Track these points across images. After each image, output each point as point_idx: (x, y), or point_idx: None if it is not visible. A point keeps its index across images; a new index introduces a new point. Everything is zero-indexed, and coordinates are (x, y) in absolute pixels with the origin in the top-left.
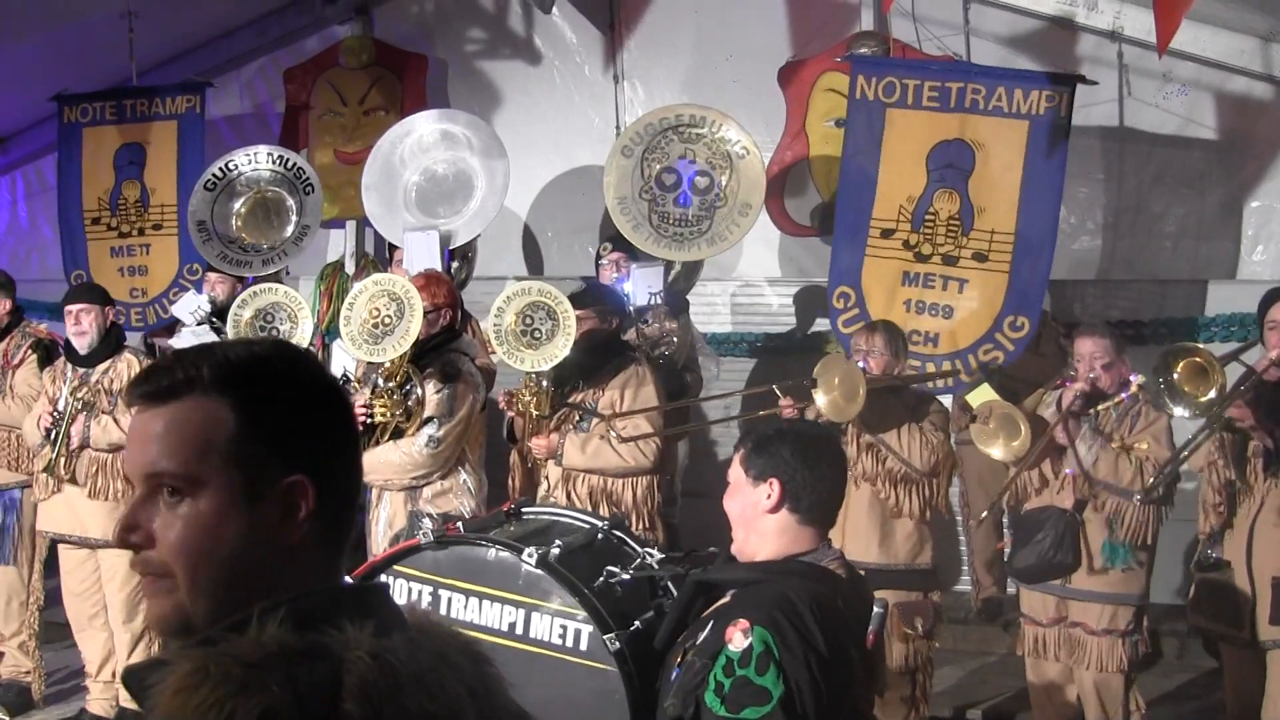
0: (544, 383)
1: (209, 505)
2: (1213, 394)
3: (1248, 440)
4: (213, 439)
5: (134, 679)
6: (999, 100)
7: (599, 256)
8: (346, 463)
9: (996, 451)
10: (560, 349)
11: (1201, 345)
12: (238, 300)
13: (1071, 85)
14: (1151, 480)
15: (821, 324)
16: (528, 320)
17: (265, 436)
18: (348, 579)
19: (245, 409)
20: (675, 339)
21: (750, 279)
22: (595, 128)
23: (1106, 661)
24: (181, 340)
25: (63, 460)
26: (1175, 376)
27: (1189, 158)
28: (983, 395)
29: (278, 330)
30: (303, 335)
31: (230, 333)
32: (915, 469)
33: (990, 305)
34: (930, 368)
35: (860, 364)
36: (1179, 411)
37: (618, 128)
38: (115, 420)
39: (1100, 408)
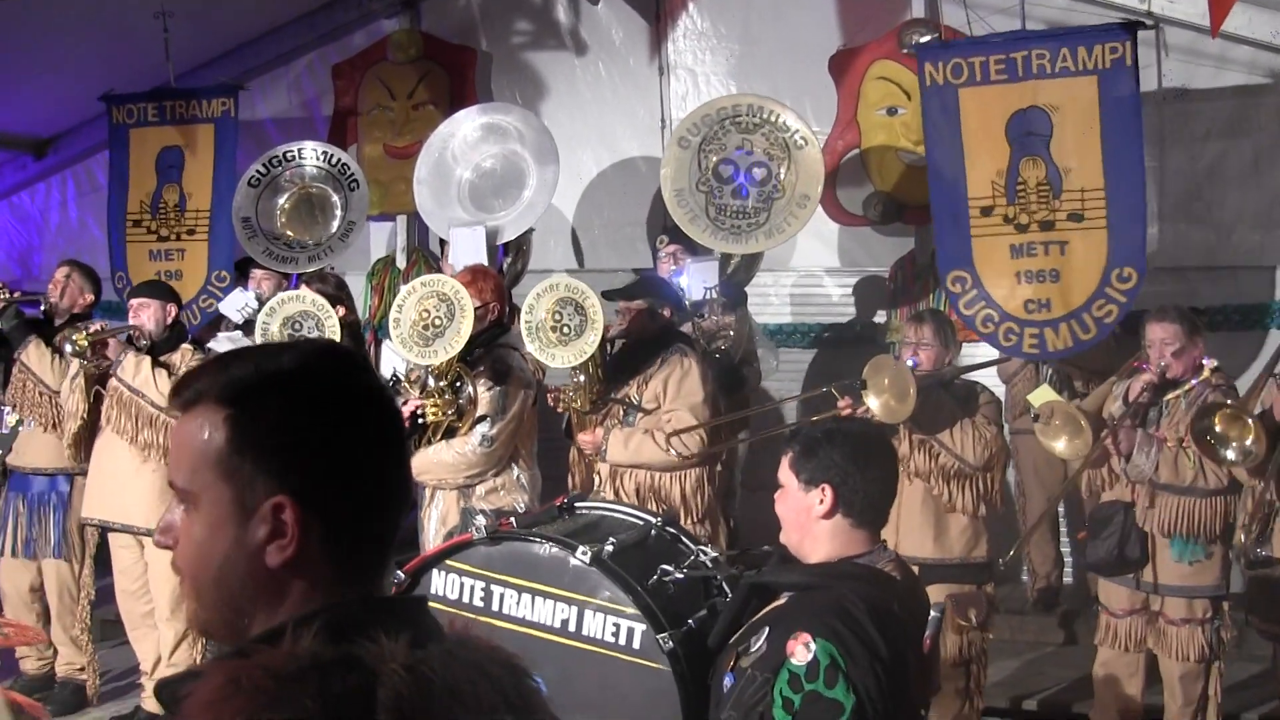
0: (581, 377)
1: (203, 518)
2: (1249, 441)
3: None
4: (206, 452)
5: (166, 690)
6: (1064, 61)
7: (656, 249)
8: (360, 481)
9: (1060, 445)
10: (589, 344)
11: (1229, 402)
12: (265, 309)
13: (1132, 33)
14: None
15: (881, 315)
16: (557, 316)
17: (252, 452)
18: (399, 571)
19: (236, 423)
20: (732, 332)
21: (809, 270)
22: (641, 120)
23: (1187, 651)
24: (217, 345)
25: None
26: (1218, 429)
27: (1245, 142)
28: (1044, 395)
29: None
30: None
31: (259, 342)
32: (969, 464)
33: (1096, 262)
34: (1049, 334)
35: (910, 360)
36: (1232, 457)
37: (663, 120)
38: (155, 369)
39: (1170, 396)
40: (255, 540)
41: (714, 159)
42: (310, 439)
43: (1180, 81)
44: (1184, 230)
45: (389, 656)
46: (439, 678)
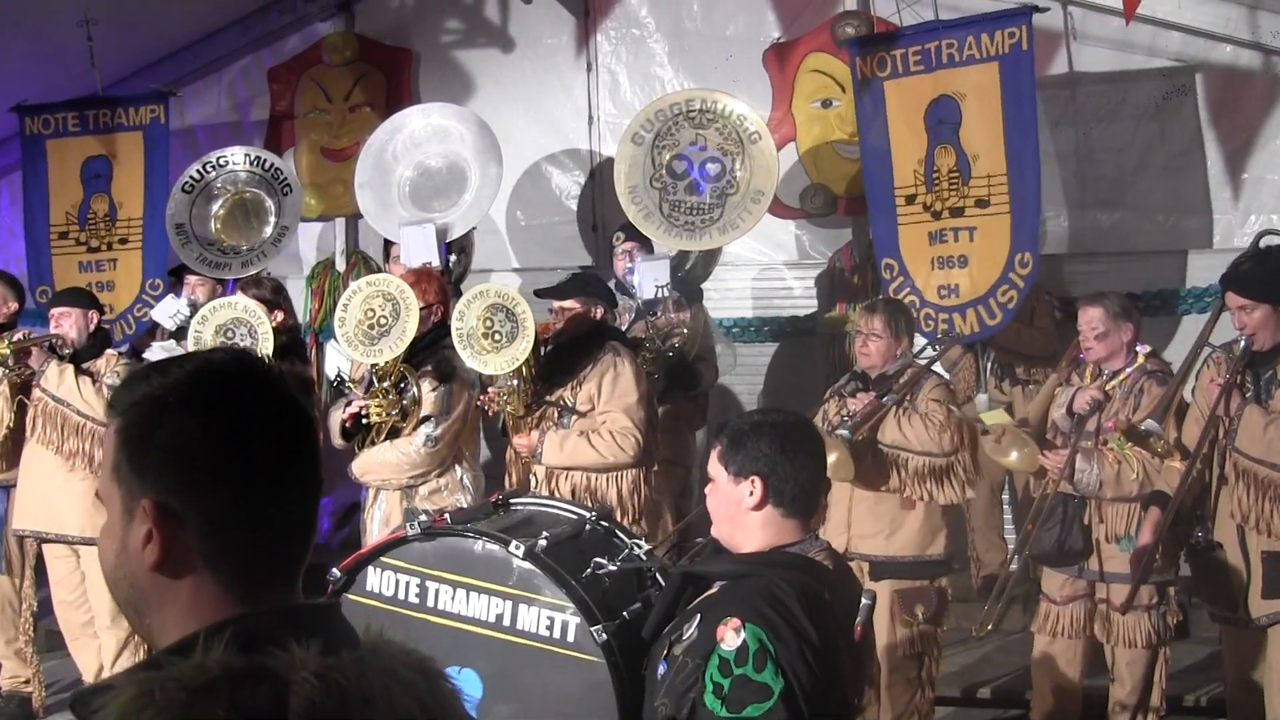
0: (514, 381)
1: (108, 520)
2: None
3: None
4: (107, 459)
5: (81, 703)
6: (970, 49)
7: (612, 246)
8: (245, 488)
9: (1012, 457)
10: (521, 351)
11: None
12: (197, 317)
13: (1027, 16)
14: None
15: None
16: (489, 323)
17: (130, 459)
18: (335, 570)
19: (121, 431)
20: (685, 330)
21: (769, 264)
22: (569, 117)
23: (1134, 637)
24: (151, 354)
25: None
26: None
27: (1177, 129)
28: (997, 418)
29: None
30: (264, 349)
31: (192, 349)
32: (936, 453)
33: (1000, 247)
34: (957, 319)
35: (846, 419)
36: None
37: (590, 116)
38: (78, 377)
39: (1108, 386)
40: (135, 542)
41: (667, 155)
42: (185, 447)
43: (1089, 66)
44: (1100, 216)
45: (300, 665)
46: (352, 685)
